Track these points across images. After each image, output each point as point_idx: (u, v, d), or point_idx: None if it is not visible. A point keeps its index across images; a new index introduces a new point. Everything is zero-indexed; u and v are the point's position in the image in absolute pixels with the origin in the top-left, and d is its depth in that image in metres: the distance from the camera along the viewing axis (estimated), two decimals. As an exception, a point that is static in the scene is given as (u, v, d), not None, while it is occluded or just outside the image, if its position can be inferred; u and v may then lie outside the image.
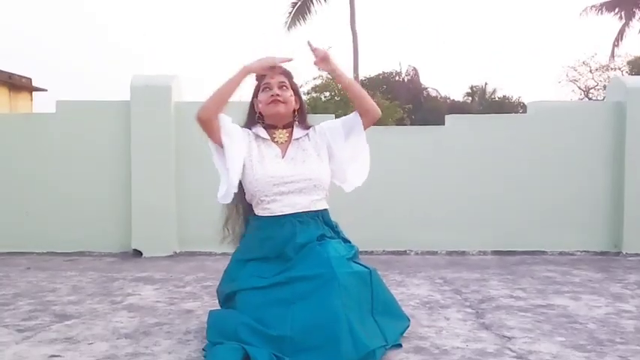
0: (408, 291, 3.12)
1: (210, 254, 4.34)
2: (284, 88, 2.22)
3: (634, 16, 24.19)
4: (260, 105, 2.24)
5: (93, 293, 3.08)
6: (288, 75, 2.28)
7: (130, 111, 4.40)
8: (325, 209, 2.23)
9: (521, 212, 4.48)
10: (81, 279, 3.49)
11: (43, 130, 4.53)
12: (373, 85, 31.92)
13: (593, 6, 24.78)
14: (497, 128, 4.55)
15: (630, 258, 4.31)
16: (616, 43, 25.54)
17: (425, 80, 35.51)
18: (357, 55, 22.26)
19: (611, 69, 33.56)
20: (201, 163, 4.60)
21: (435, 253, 4.47)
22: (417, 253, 4.47)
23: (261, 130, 2.24)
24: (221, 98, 2.11)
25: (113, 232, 4.47)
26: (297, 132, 2.25)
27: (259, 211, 2.17)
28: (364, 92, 2.26)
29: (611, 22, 24.89)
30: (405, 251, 4.48)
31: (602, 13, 24.73)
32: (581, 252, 4.47)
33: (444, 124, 4.60)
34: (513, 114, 5.13)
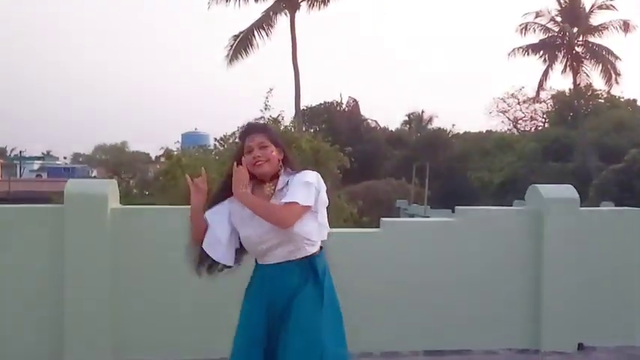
0: None
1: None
2: (264, 147, 2.33)
3: (556, 59, 25.94)
4: (247, 166, 2.35)
5: None
6: (266, 131, 2.41)
7: (63, 218, 4.32)
8: (312, 255, 2.47)
9: (449, 313, 4.73)
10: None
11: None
12: (315, 114, 32.38)
13: (520, 47, 26.39)
14: (428, 232, 4.82)
15: (547, 357, 4.65)
16: (541, 83, 27.22)
17: (364, 111, 36.41)
18: (299, 89, 22.57)
19: (537, 101, 35.61)
20: (141, 274, 4.53)
21: (369, 354, 4.63)
22: (352, 356, 4.60)
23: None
24: (193, 230, 2.41)
25: (41, 345, 4.32)
26: (281, 181, 2.37)
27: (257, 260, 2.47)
28: (269, 210, 2.28)
29: (537, 61, 26.49)
30: (341, 353, 4.60)
31: (528, 55, 26.36)
32: (504, 349, 4.77)
33: (379, 227, 4.81)
34: (441, 220, 5.45)
